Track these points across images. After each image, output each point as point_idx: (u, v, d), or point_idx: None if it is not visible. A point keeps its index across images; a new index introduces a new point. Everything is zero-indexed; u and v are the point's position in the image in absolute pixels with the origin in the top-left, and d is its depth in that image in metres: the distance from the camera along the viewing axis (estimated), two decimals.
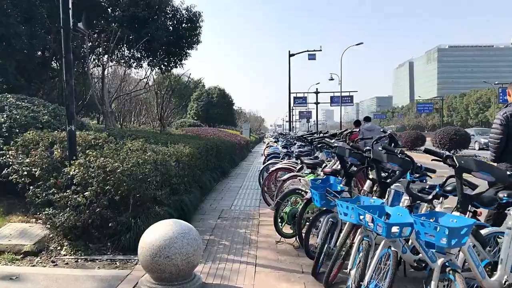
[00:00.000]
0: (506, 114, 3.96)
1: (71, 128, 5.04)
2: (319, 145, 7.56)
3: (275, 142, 19.55)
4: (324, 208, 3.97)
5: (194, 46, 14.98)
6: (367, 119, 12.89)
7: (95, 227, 4.61)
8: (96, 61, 12.85)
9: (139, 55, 15.35)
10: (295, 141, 14.54)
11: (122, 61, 15.76)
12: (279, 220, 4.87)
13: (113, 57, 13.87)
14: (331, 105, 48.29)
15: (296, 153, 6.60)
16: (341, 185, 3.97)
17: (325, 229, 3.90)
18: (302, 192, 4.92)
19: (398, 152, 3.30)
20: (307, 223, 4.59)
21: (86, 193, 4.53)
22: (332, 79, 47.89)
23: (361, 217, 2.83)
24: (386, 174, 3.75)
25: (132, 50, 15.04)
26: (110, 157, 4.88)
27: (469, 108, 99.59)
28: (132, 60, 15.65)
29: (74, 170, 4.67)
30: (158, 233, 3.39)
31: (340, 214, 3.16)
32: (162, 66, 15.50)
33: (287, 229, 4.93)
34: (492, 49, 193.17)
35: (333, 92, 46.86)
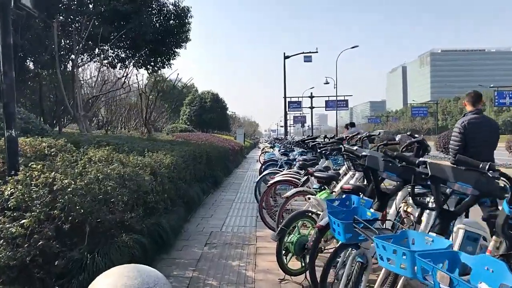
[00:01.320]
0: (464, 123, 4.49)
1: (11, 134, 3.85)
2: (323, 151, 6.47)
3: (271, 147, 18.40)
4: None
5: (182, 44, 13.82)
6: (351, 124, 12.97)
7: (37, 265, 3.43)
8: (77, 61, 11.66)
9: (123, 55, 14.17)
10: (292, 147, 13.52)
11: (106, 61, 14.58)
12: (283, 251, 3.71)
13: (93, 55, 12.68)
14: (326, 109, 47.79)
15: (299, 162, 5.45)
16: (372, 211, 2.83)
17: (350, 272, 2.76)
18: (313, 215, 3.78)
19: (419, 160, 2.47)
20: (319, 253, 3.46)
21: (25, 220, 3.34)
22: (327, 82, 47.22)
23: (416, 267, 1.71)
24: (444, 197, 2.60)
25: (115, 49, 13.87)
26: (61, 171, 3.71)
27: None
28: (116, 60, 14.46)
29: (10, 190, 3.48)
30: None
31: (380, 259, 2.02)
32: (148, 66, 14.32)
33: (293, 263, 3.77)
34: (484, 53, 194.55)
35: (328, 96, 46.35)
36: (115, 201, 3.86)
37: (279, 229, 3.60)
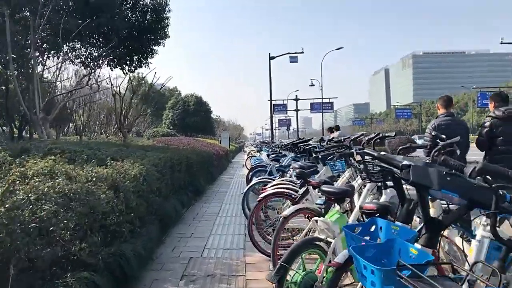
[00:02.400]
0: (435, 125, 4.72)
1: None
2: (320, 156, 5.58)
3: (257, 151, 17.45)
4: None
5: (161, 41, 12.80)
6: (336, 128, 12.54)
7: None
8: (37, 57, 10.51)
9: (96, 53, 13.07)
10: (281, 150, 12.62)
11: (78, 60, 13.44)
12: None
13: (61, 53, 11.54)
14: (311, 112, 47.30)
15: (296, 171, 4.51)
16: (418, 246, 1.91)
17: None
18: (321, 243, 2.84)
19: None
20: None
21: None
22: (312, 84, 46.80)
23: None
24: None
25: (87, 47, 12.76)
26: None
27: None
28: (89, 59, 13.35)
29: None
30: None
31: None
32: (124, 65, 13.24)
33: None
34: (464, 55, 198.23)
35: (313, 99, 45.87)
36: (56, 230, 2.87)
37: (278, 266, 2.65)
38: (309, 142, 9.19)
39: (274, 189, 4.67)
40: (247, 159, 18.04)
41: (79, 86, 11.39)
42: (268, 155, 9.44)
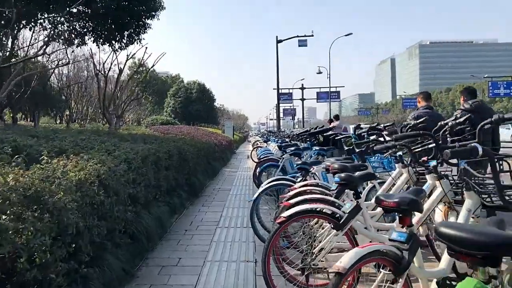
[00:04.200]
0: (414, 115, 5.21)
1: None
2: (364, 150, 3.97)
3: (264, 142, 15.79)
4: None
5: (155, 13, 11.09)
6: (336, 117, 12.54)
7: None
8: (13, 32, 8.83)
9: (80, 29, 11.37)
10: (291, 141, 11.01)
11: (61, 37, 11.75)
12: None
13: (36, 28, 9.86)
14: (317, 101, 45.80)
15: (339, 174, 2.85)
16: None
17: None
18: None
19: None
20: None
21: None
22: (320, 72, 45.04)
23: None
24: None
25: (69, 19, 11.05)
26: None
27: (455, 102, 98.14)
28: (73, 35, 11.66)
29: None
30: None
31: None
32: (113, 41, 11.54)
33: None
34: (472, 45, 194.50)
35: (319, 87, 44.23)
36: None
37: None
38: (327, 131, 7.55)
39: (302, 202, 3.02)
40: (252, 150, 16.38)
41: (36, 54, 9.67)
42: (280, 147, 7.77)
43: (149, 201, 4.67)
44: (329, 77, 43.73)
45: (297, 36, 24.94)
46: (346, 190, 3.25)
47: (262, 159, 8.25)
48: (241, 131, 64.00)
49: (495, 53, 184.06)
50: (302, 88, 42.68)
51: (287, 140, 11.88)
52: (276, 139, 12.38)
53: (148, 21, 11.27)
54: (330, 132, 5.42)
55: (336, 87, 44.14)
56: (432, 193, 2.93)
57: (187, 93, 43.23)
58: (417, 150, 3.00)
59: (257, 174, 7.27)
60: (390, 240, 1.95)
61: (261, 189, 4.23)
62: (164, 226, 4.74)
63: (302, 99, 43.35)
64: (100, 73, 9.65)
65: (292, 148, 5.15)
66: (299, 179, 4.20)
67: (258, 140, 21.54)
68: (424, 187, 3.09)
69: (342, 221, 2.62)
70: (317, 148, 4.92)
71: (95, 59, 12.10)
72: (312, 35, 24.71)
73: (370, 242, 2.73)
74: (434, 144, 2.84)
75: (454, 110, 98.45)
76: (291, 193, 3.45)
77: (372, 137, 4.39)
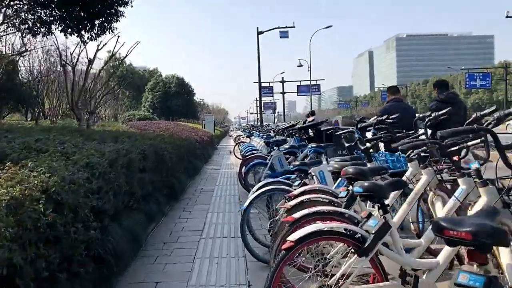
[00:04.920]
0: (384, 109, 5.46)
1: None
2: (368, 145, 3.39)
3: (247, 137, 15.13)
4: None
5: (128, 0, 10.23)
6: (312, 113, 12.79)
7: None
8: None
9: (46, 17, 10.40)
10: (276, 136, 10.46)
11: (24, 26, 10.75)
12: None
13: None
14: (298, 94, 45.67)
15: (362, 185, 2.25)
16: None
17: None
18: None
19: None
20: None
21: None
22: (301, 65, 44.75)
23: None
24: None
25: (34, 7, 10.10)
26: None
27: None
28: (38, 24, 10.67)
29: None
30: None
31: None
32: (83, 31, 10.62)
33: None
34: (447, 38, 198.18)
35: (300, 81, 44.02)
36: None
37: None
38: (320, 125, 6.98)
39: (310, 216, 2.40)
40: (235, 146, 15.71)
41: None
42: (268, 143, 7.14)
43: (120, 211, 3.97)
44: (310, 69, 43.42)
45: (278, 28, 24.30)
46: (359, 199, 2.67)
47: (247, 156, 7.62)
48: (221, 126, 63.14)
49: (469, 46, 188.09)
50: (283, 82, 42.36)
51: (272, 134, 11.29)
52: (260, 134, 11.74)
53: (121, 9, 10.41)
54: (327, 127, 4.82)
55: (316, 80, 43.98)
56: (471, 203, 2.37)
57: (165, 87, 42.08)
58: (454, 149, 2.42)
59: (243, 173, 6.63)
60: (457, 285, 1.34)
61: (252, 195, 3.59)
62: (139, 240, 4.05)
63: (283, 93, 43.02)
64: (67, 65, 8.77)
65: (286, 146, 4.50)
66: (296, 182, 3.58)
67: (240, 135, 20.87)
68: (457, 195, 2.52)
69: (367, 244, 2.01)
70: (313, 145, 4.31)
71: (68, 51, 11.18)
72: (294, 27, 24.12)
73: (402, 268, 2.13)
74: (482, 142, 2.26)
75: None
76: (292, 202, 2.82)
77: (380, 132, 3.83)
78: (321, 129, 4.95)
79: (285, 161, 6.69)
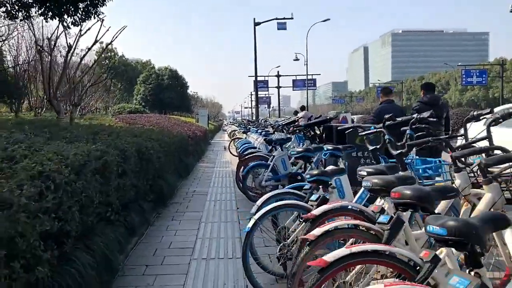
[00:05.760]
0: (378, 110, 5.66)
1: None
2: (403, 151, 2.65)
3: (243, 132, 14.31)
4: None
5: None
6: (302, 108, 13.30)
7: None
8: None
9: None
10: (275, 132, 9.69)
11: (2, 9, 9.81)
12: None
13: None
14: (293, 89, 45.06)
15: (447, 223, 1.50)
16: None
17: None
18: None
19: None
20: None
21: None
22: (297, 59, 44.04)
23: None
24: None
25: None
26: None
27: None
28: (16, 7, 9.74)
29: None
30: None
31: None
32: (66, 15, 9.71)
33: None
34: (442, 34, 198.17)
35: (295, 75, 43.36)
36: None
37: None
38: (324, 121, 6.20)
39: (352, 258, 1.64)
40: (231, 142, 14.91)
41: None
42: (270, 141, 6.36)
43: (91, 228, 3.18)
44: (306, 63, 42.64)
45: (276, 19, 23.41)
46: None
47: (246, 156, 6.84)
48: (215, 120, 62.28)
49: (464, 42, 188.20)
50: (278, 76, 41.58)
51: (270, 130, 10.50)
52: (258, 130, 10.94)
53: None
54: (347, 125, 4.03)
55: (312, 75, 43.30)
56: None
57: (158, 79, 40.95)
58: None
59: (242, 176, 5.84)
60: None
61: (258, 213, 2.80)
62: (113, 265, 3.25)
63: (278, 87, 42.24)
64: (43, 50, 7.87)
65: (300, 149, 3.67)
66: (314, 196, 2.80)
67: (235, 130, 20.04)
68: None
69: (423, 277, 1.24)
70: (329, 147, 3.53)
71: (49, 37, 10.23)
72: (292, 18, 23.22)
73: None
74: None
75: None
76: (316, 232, 2.05)
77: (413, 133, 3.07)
78: (338, 127, 4.15)
79: (289, 163, 5.94)
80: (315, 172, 2.79)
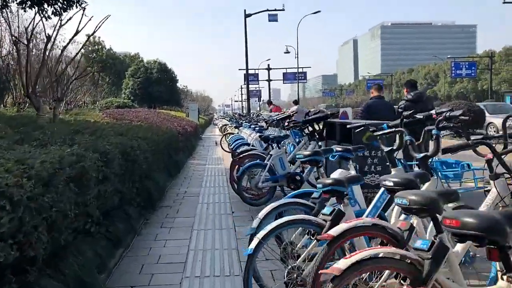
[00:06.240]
0: (367, 105, 5.87)
1: None
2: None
3: (235, 127, 13.84)
4: None
5: None
6: (295, 102, 13.35)
7: None
8: None
9: None
10: (268, 127, 9.32)
11: None
12: None
13: None
14: (284, 82, 44.69)
15: None
16: None
17: None
18: None
19: None
20: None
21: None
22: (288, 52, 43.50)
23: None
24: None
25: None
26: None
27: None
28: None
29: None
30: None
31: None
32: (45, 5, 9.10)
33: None
34: (431, 27, 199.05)
35: (286, 68, 42.92)
36: None
37: None
38: (327, 117, 5.79)
39: None
40: (222, 137, 14.44)
41: None
42: (266, 138, 5.93)
43: (64, 247, 2.72)
44: (297, 56, 42.16)
45: (267, 10, 22.86)
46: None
47: (240, 154, 6.40)
48: (205, 114, 61.57)
49: (452, 35, 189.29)
50: (269, 69, 41.16)
51: (264, 125, 10.07)
52: (251, 125, 10.50)
53: None
54: (358, 124, 3.57)
55: (302, 67, 42.93)
56: None
57: (147, 73, 40.12)
58: None
59: (238, 178, 5.39)
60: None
61: (261, 232, 2.36)
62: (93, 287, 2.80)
63: (269, 80, 41.80)
64: (19, 41, 7.29)
65: (308, 152, 3.18)
66: (327, 209, 2.38)
67: (226, 124, 19.55)
68: None
69: None
70: (339, 148, 3.10)
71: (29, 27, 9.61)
72: (283, 9, 22.69)
73: None
74: None
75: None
76: (342, 265, 1.62)
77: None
78: (347, 126, 3.72)
79: (287, 162, 5.53)
80: (330, 181, 2.36)
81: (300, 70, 42.86)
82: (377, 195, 2.96)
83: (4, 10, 9.67)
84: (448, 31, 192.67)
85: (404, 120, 3.01)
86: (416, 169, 3.20)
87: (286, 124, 7.52)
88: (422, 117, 3.06)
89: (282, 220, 2.37)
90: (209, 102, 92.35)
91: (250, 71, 39.76)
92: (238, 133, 12.02)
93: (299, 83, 45.51)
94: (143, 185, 5.14)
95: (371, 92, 6.17)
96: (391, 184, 2.14)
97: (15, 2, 9.21)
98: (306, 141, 6.09)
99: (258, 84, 48.83)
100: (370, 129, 3.31)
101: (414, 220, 2.14)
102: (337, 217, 2.34)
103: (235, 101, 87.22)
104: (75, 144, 3.48)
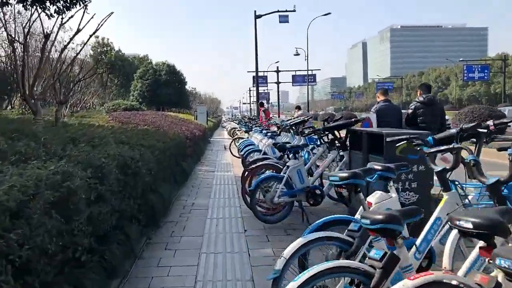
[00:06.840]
0: (376, 109, 5.81)
1: None
2: None
3: (245, 132, 13.29)
4: None
5: None
6: (298, 107, 13.95)
7: None
8: None
9: None
10: (280, 133, 8.78)
11: None
12: None
13: None
14: (293, 85, 44.13)
15: None
16: None
17: None
18: None
19: None
20: None
21: None
22: (297, 54, 42.91)
23: None
24: None
25: None
26: None
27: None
28: None
29: None
30: None
31: None
32: (48, 3, 8.67)
33: None
34: (441, 29, 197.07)
35: (295, 70, 42.33)
36: None
37: None
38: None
39: None
40: (232, 142, 13.91)
41: None
42: (283, 148, 5.35)
43: (48, 284, 2.19)
44: (307, 58, 41.53)
45: (278, 11, 22.32)
46: None
47: (252, 163, 5.85)
48: (214, 116, 61.28)
49: (463, 38, 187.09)
50: (278, 71, 40.65)
51: (276, 130, 9.52)
52: (263, 130, 9.94)
53: None
54: (396, 137, 2.94)
55: (312, 70, 42.35)
56: None
57: (155, 75, 39.81)
58: None
59: (251, 189, 4.84)
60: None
61: (294, 284, 1.81)
62: None
63: (278, 83, 41.26)
64: (15, 41, 6.84)
65: (345, 174, 2.57)
66: (377, 253, 1.81)
67: (235, 128, 19.03)
68: None
69: None
70: (378, 167, 2.54)
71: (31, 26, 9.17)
72: (294, 10, 22.12)
73: None
74: None
75: None
76: None
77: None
78: (388, 139, 3.13)
79: (305, 174, 4.96)
80: (381, 217, 1.79)
81: (309, 72, 42.26)
82: (428, 225, 2.40)
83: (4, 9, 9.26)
84: (458, 34, 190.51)
85: (461, 133, 2.44)
86: (473, 193, 2.63)
87: (300, 130, 6.97)
88: (482, 131, 2.49)
89: (320, 267, 1.80)
90: (218, 104, 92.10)
91: (259, 73, 39.30)
92: (248, 137, 11.49)
93: (309, 86, 44.90)
94: (146, 200, 4.61)
95: (377, 96, 6.22)
96: (470, 226, 1.57)
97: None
98: (325, 150, 5.54)
99: (267, 86, 48.38)
100: (414, 143, 2.75)
101: (499, 275, 1.58)
102: (391, 263, 1.78)
103: (243, 103, 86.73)
104: (64, 157, 2.96)
